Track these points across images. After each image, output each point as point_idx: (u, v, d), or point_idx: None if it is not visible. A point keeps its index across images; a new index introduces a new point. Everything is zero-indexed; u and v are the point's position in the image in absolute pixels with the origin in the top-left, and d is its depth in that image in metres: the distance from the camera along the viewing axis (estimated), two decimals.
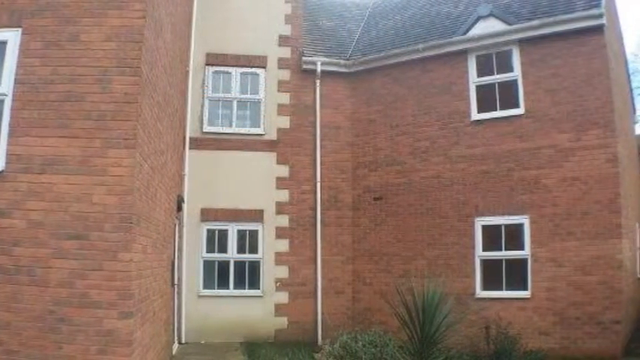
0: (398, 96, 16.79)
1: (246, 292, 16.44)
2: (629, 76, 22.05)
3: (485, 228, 15.15)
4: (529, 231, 14.41)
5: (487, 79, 15.62)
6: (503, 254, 14.81)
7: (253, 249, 16.67)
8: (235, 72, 17.17)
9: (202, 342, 15.45)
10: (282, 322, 16.37)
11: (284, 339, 16.00)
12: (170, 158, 11.95)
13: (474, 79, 15.73)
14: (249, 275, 16.58)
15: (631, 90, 22.64)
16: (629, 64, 22.51)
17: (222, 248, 16.52)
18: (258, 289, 16.47)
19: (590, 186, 13.81)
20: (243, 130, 17.03)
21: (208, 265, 16.42)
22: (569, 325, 13.65)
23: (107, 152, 7.55)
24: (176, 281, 14.19)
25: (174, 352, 13.84)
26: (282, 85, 17.33)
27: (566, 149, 14.19)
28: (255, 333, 15.91)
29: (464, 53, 15.86)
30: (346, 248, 17.06)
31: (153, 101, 9.04)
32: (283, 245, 16.72)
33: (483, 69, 15.72)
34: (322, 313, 16.49)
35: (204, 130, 16.72)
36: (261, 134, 17.02)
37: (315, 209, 16.97)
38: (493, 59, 15.56)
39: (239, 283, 16.48)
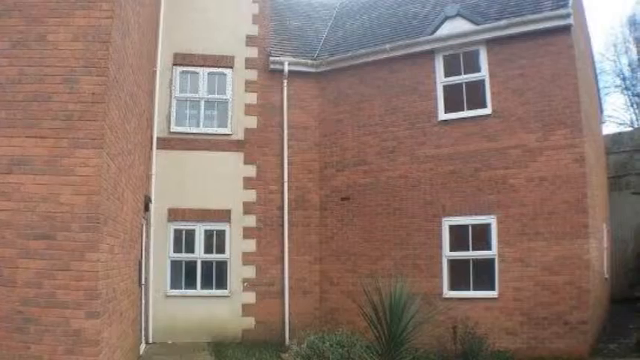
0: (365, 96, 16.87)
1: (214, 292, 16.41)
2: (596, 76, 22.40)
3: (452, 228, 15.28)
4: (496, 231, 14.53)
5: (454, 79, 15.74)
6: (471, 254, 14.94)
7: (220, 249, 16.66)
8: (203, 72, 17.15)
9: (170, 342, 15.41)
10: (250, 322, 16.38)
11: (251, 339, 16.01)
12: (137, 158, 11.92)
13: (441, 79, 15.83)
14: (216, 275, 16.57)
15: (598, 90, 22.98)
16: (596, 64, 22.84)
17: (190, 248, 16.49)
18: (226, 289, 16.45)
19: (558, 186, 13.94)
20: (210, 130, 17.02)
21: (175, 265, 16.39)
22: (536, 325, 13.77)
23: (74, 152, 7.54)
24: (143, 281, 14.14)
25: (141, 352, 13.80)
26: (249, 85, 17.33)
27: (533, 149, 14.31)
28: (222, 333, 15.91)
29: (431, 53, 15.96)
30: (313, 248, 17.12)
31: (120, 101, 9.03)
32: (250, 245, 16.73)
33: (450, 69, 15.83)
34: (289, 314, 16.52)
35: (171, 130, 16.67)
36: (229, 134, 17.02)
37: (282, 209, 17.00)
38: (460, 59, 15.68)
39: (206, 283, 16.46)
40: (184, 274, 16.43)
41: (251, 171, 16.96)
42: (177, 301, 16.01)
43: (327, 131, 17.40)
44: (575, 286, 13.52)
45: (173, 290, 16.13)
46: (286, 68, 17.28)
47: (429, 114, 15.81)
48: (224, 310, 16.25)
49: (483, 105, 15.13)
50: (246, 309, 16.43)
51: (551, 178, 14.03)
